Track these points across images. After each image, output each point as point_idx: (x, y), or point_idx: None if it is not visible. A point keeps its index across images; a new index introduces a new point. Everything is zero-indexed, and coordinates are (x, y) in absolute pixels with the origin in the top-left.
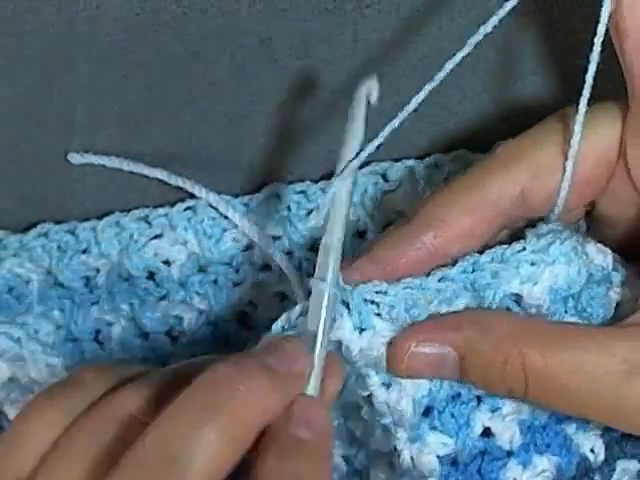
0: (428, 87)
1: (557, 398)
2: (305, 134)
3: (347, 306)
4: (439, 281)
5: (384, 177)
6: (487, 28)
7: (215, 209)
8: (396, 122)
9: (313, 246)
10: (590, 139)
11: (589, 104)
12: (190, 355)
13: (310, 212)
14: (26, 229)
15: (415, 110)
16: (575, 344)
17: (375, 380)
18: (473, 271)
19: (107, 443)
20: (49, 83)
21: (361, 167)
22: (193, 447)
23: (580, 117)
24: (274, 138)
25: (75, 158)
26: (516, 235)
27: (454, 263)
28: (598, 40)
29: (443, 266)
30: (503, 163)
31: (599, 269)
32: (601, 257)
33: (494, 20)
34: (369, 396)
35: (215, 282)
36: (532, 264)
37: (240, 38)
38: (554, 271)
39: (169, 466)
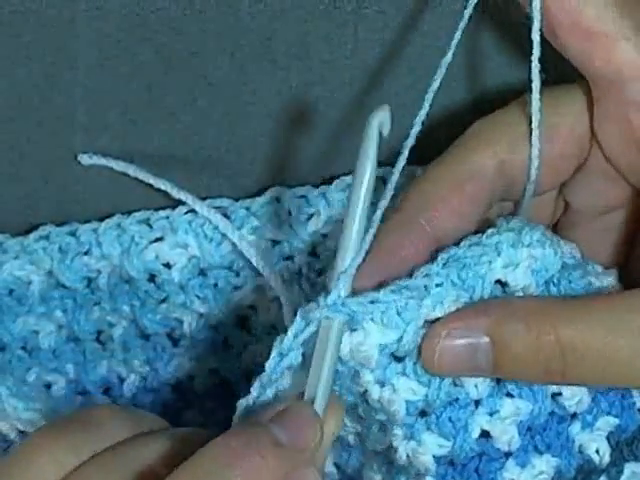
0: (435, 83)
1: (599, 365)
2: (305, 136)
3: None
4: (424, 277)
5: (384, 182)
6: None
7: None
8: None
9: (313, 251)
10: (558, 114)
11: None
12: (191, 358)
13: (311, 217)
14: (27, 231)
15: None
16: (605, 308)
17: (368, 378)
18: (455, 261)
19: None
20: (49, 83)
21: None
22: None
23: (535, 79)
24: (274, 140)
25: (84, 159)
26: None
27: (434, 258)
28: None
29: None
30: (481, 137)
31: (570, 257)
32: (569, 248)
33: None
34: (365, 392)
35: (215, 286)
36: (511, 245)
37: (240, 38)
38: (532, 252)
39: None
